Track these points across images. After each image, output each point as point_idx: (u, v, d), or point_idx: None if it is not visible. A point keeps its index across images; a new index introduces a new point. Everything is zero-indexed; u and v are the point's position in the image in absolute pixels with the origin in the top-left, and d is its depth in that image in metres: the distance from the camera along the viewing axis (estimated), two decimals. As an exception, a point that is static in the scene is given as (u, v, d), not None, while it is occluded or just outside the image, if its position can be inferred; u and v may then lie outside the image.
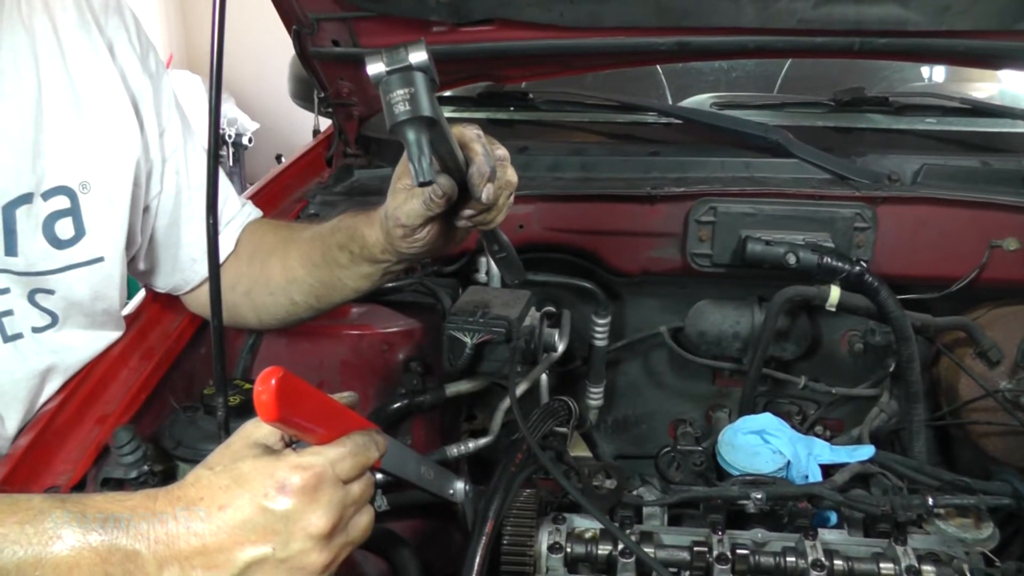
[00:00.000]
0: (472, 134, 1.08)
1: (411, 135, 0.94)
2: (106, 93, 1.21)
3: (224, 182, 1.41)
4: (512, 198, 1.17)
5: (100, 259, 1.23)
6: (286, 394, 0.78)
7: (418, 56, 0.92)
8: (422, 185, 0.95)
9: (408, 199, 1.11)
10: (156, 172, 1.31)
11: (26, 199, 1.13)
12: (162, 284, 1.41)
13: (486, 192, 1.08)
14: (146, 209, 1.32)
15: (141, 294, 1.48)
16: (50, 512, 0.82)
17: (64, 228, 1.18)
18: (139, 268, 1.39)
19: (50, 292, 1.19)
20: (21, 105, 1.12)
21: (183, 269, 1.39)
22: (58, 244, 1.18)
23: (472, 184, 1.08)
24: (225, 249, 1.38)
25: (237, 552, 0.82)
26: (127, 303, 1.44)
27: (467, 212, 1.13)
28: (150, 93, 1.28)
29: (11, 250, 1.13)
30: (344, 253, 1.26)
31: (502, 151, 1.13)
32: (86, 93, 1.19)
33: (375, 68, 0.92)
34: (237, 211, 1.42)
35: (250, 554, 0.83)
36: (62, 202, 1.17)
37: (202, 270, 1.38)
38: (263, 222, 1.46)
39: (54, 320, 1.21)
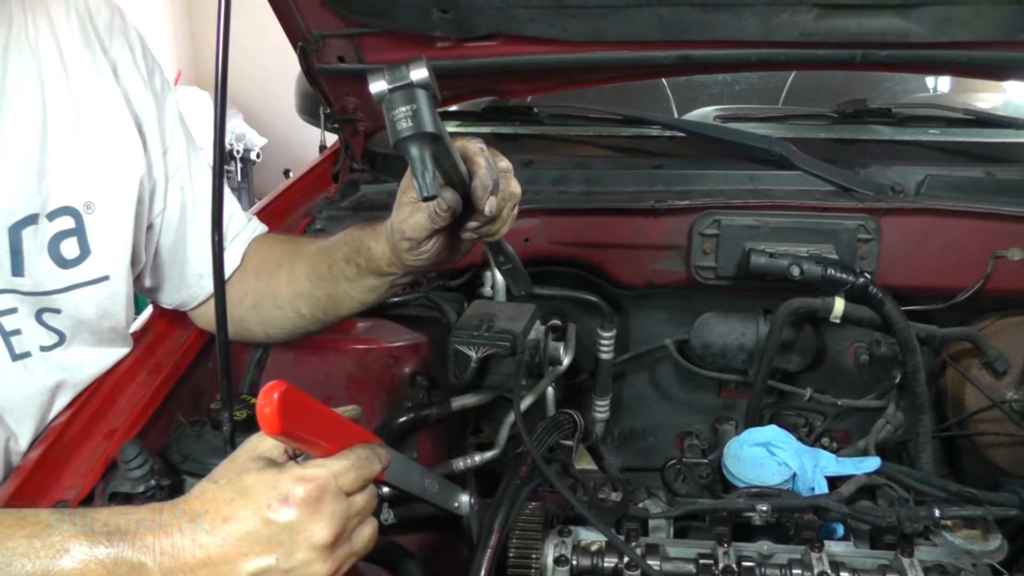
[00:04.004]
0: (475, 147, 1.10)
1: (414, 151, 0.95)
2: (109, 114, 1.23)
3: (229, 198, 1.42)
4: (516, 209, 1.18)
5: (105, 278, 1.24)
6: (289, 408, 0.79)
7: (419, 73, 0.93)
8: (426, 200, 0.96)
9: (413, 213, 1.12)
10: (159, 190, 1.32)
11: (32, 220, 1.14)
12: (169, 300, 1.42)
13: (489, 205, 1.09)
14: (150, 227, 1.33)
15: (149, 310, 1.49)
16: (57, 526, 0.83)
17: (69, 248, 1.19)
18: (145, 285, 1.40)
19: (57, 311, 1.20)
20: (27, 127, 1.14)
21: (190, 285, 1.40)
22: (64, 264, 1.19)
23: (475, 197, 1.09)
24: (231, 264, 1.39)
25: (241, 563, 0.83)
26: (135, 319, 1.45)
27: (472, 224, 1.14)
28: (154, 112, 1.29)
29: (18, 270, 1.14)
30: (350, 266, 1.27)
31: (505, 163, 1.14)
32: (90, 114, 1.20)
33: (377, 86, 0.94)
34: (243, 226, 1.43)
35: (254, 565, 0.83)
36: (67, 222, 1.18)
37: (209, 286, 1.39)
38: (269, 237, 1.47)
39: (61, 339, 1.22)
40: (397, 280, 1.27)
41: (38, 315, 1.18)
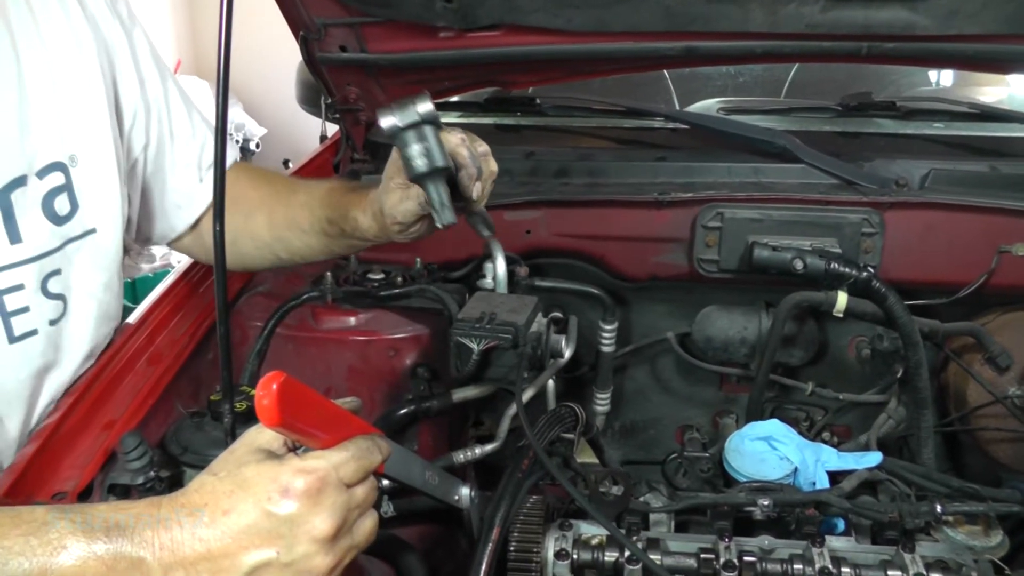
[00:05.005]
0: (456, 139, 1.19)
1: (431, 187, 1.14)
2: (81, 57, 1.21)
3: (201, 125, 1.42)
4: (493, 183, 1.29)
5: (92, 231, 1.23)
6: (288, 399, 0.78)
7: (425, 107, 1.09)
8: (446, 227, 1.15)
9: (403, 200, 1.23)
10: (140, 124, 1.32)
11: (20, 182, 1.13)
12: (146, 234, 1.44)
13: (476, 190, 1.21)
14: (135, 163, 1.33)
15: (148, 300, 1.48)
16: (54, 523, 0.82)
17: (62, 204, 1.19)
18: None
19: (57, 272, 1.19)
20: (3, 86, 1.11)
21: (168, 216, 1.42)
22: (58, 221, 1.18)
23: (463, 186, 1.21)
24: (207, 196, 1.42)
25: (242, 556, 0.83)
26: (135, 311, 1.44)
27: (458, 204, 1.23)
28: (124, 42, 1.28)
29: (15, 237, 1.13)
30: (333, 227, 1.37)
31: (483, 147, 1.24)
32: (61, 62, 1.18)
33: (388, 121, 1.08)
34: None
35: (255, 558, 0.83)
36: (58, 178, 1.18)
37: (187, 217, 1.42)
38: (242, 169, 1.48)
39: (65, 307, 1.21)
40: (377, 244, 1.38)
41: (43, 284, 1.17)
